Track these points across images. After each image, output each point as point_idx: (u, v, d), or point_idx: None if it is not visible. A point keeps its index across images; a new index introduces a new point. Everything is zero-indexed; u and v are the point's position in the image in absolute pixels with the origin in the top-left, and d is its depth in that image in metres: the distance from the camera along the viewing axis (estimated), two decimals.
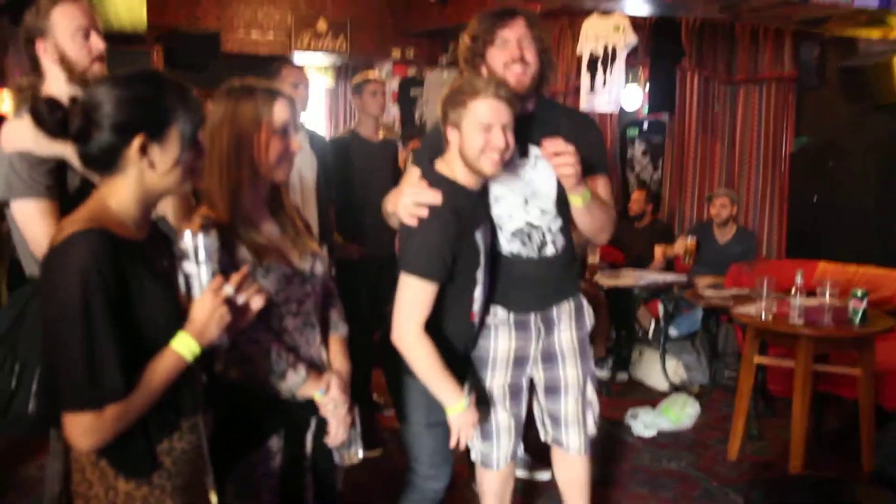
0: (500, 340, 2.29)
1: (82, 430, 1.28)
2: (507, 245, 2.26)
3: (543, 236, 2.27)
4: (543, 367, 2.37)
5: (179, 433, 1.43)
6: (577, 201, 2.14)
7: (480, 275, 2.13)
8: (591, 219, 2.21)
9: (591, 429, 2.45)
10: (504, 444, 2.35)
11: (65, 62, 1.94)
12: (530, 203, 2.24)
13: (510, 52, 2.13)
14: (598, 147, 2.32)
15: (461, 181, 2.08)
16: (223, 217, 1.68)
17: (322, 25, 7.24)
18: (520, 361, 2.32)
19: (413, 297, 2.01)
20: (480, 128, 1.99)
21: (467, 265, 2.08)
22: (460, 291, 2.10)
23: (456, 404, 2.03)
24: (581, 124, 2.31)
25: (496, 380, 2.30)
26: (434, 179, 2.09)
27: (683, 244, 4.85)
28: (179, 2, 6.69)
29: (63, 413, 1.28)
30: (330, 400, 1.80)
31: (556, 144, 2.03)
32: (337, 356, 1.91)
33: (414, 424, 2.16)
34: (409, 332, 2.01)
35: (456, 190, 2.07)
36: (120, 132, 1.34)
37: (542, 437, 2.50)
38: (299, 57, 7.05)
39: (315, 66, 7.82)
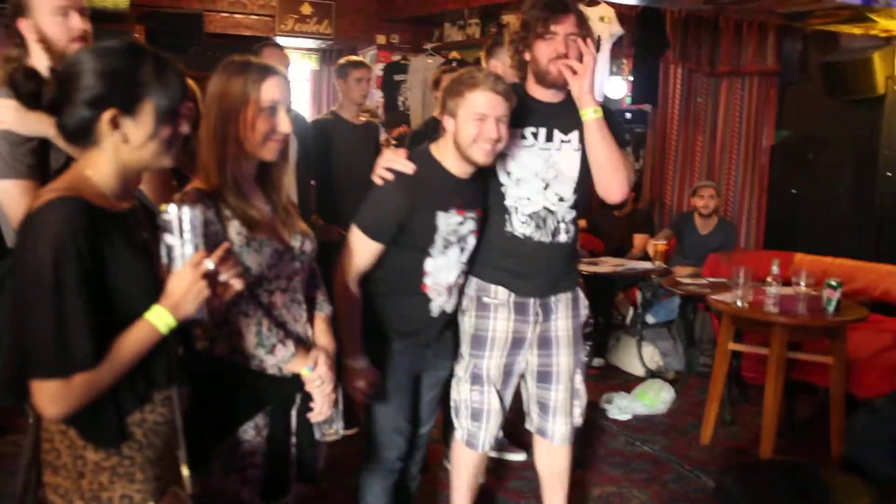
0: (499, 321, 2.34)
1: (49, 397, 1.28)
2: (521, 227, 2.31)
3: (558, 223, 2.33)
4: (539, 352, 2.42)
5: (152, 405, 1.42)
6: (588, 114, 2.22)
7: (437, 253, 2.18)
8: (604, 147, 2.25)
9: (578, 419, 2.51)
10: (492, 425, 2.42)
11: (44, 41, 1.94)
12: (550, 188, 2.31)
13: (556, 48, 2.20)
14: (619, 127, 2.40)
15: (446, 166, 2.15)
16: (215, 189, 1.70)
17: (307, 8, 7.20)
18: (517, 343, 2.37)
19: (355, 248, 2.15)
20: (475, 118, 2.08)
21: (418, 240, 2.16)
22: (410, 261, 2.18)
23: (351, 359, 2.11)
24: (605, 111, 2.36)
25: (493, 360, 2.36)
26: (417, 155, 2.18)
27: (654, 246, 4.88)
28: None
29: (31, 380, 1.28)
30: (317, 376, 1.81)
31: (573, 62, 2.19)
32: (323, 334, 1.93)
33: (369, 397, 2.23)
34: (344, 275, 2.14)
35: (434, 170, 2.15)
36: (90, 105, 1.33)
37: (527, 426, 2.55)
38: (283, 40, 7.01)
39: (299, 49, 7.78)
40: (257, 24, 7.07)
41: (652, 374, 4.57)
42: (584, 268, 4.65)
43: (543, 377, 2.43)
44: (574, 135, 2.31)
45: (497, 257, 2.32)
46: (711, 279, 4.39)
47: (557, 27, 2.20)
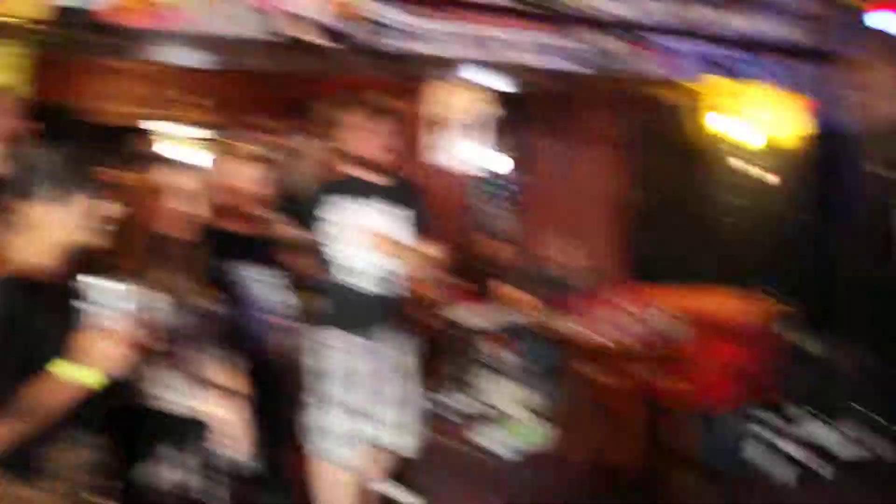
0: (335, 357, 2.71)
1: None
2: (352, 280, 2.74)
3: (383, 276, 2.77)
4: (372, 380, 2.73)
5: (66, 444, 1.53)
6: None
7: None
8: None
9: (410, 448, 2.83)
10: (336, 443, 2.65)
11: None
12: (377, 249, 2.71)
13: (357, 136, 2.74)
14: (426, 214, 2.89)
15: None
16: (131, 263, 1.84)
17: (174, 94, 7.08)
18: (351, 375, 2.70)
19: None
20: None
21: None
22: None
23: None
24: (418, 196, 2.91)
25: (335, 389, 2.68)
26: None
27: (526, 302, 5.17)
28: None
29: None
30: (230, 414, 1.97)
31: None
32: (233, 378, 2.07)
33: None
34: None
35: None
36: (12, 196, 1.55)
37: (360, 440, 2.71)
38: (157, 127, 6.92)
39: (175, 137, 7.71)
40: (130, 112, 6.95)
41: (527, 413, 4.75)
42: (457, 315, 4.88)
43: (379, 399, 2.72)
44: (401, 207, 2.78)
45: (330, 305, 2.76)
46: (578, 323, 4.68)
47: (355, 119, 2.73)
